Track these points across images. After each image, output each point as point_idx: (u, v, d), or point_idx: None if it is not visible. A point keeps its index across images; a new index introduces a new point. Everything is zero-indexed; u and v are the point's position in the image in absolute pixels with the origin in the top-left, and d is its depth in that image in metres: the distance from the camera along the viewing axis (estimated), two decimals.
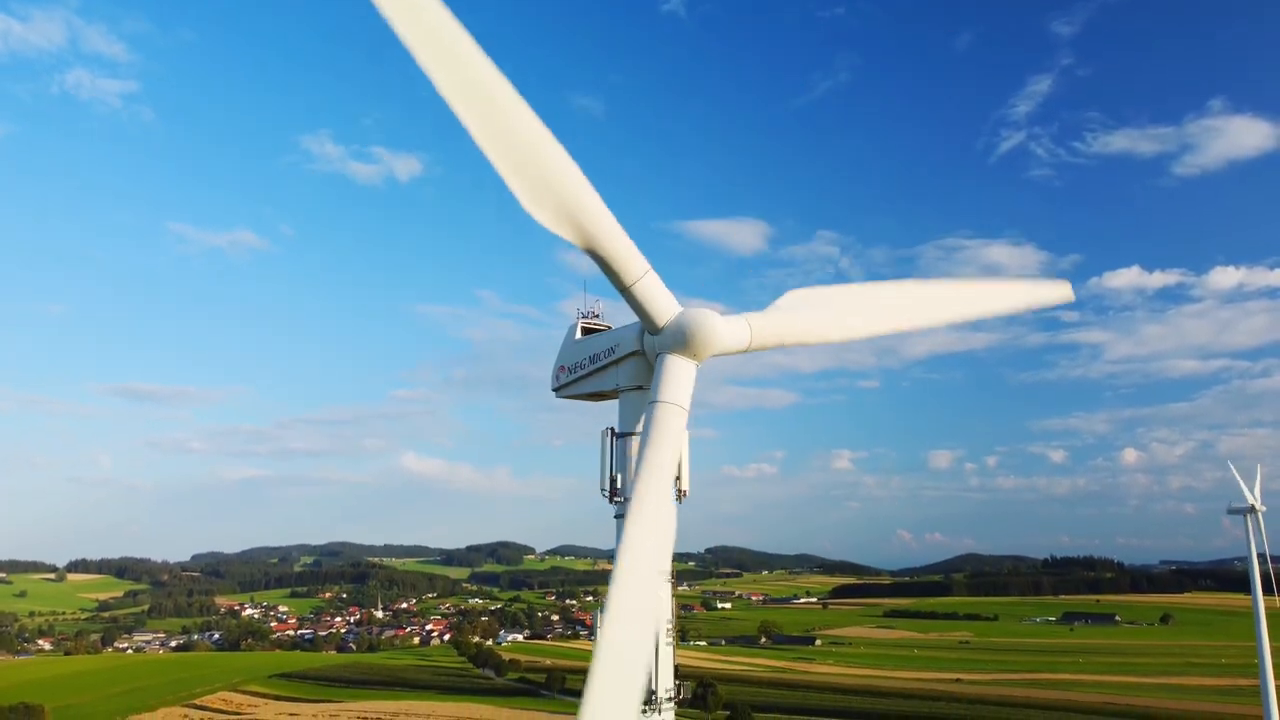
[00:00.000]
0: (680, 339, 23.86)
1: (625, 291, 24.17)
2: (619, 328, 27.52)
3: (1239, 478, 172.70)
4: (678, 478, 25.76)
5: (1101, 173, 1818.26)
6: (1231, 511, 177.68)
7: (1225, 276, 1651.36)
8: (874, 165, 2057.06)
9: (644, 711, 23.35)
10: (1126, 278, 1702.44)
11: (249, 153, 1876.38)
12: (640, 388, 25.26)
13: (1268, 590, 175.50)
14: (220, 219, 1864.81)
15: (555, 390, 28.36)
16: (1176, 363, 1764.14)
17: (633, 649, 20.47)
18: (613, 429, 25.47)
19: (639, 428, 25.02)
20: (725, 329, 24.34)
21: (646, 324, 24.53)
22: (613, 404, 26.31)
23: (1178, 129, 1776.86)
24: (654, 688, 23.51)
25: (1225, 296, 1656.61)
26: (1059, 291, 32.84)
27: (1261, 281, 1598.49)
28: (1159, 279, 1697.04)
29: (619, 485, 25.01)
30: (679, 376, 23.80)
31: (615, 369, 25.81)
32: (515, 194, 22.32)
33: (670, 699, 23.99)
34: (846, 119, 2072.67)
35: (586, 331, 28.79)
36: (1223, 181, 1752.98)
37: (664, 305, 24.35)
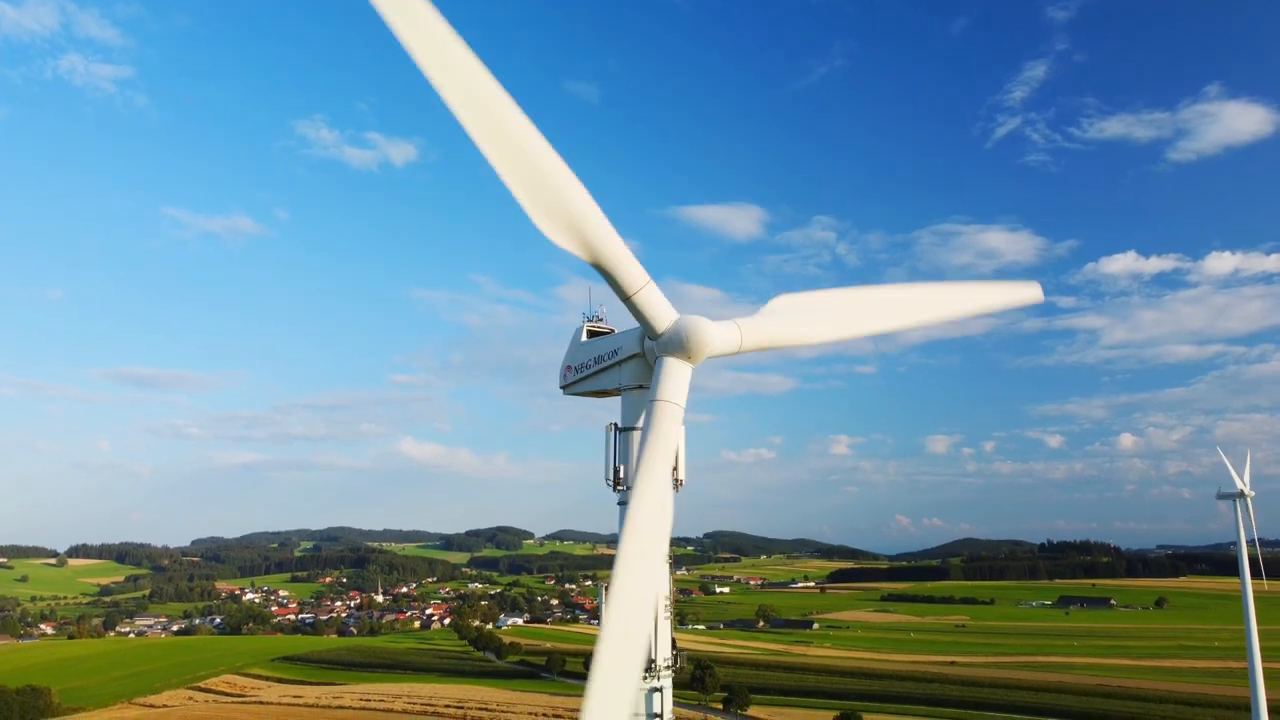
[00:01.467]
0: (677, 344, 26.30)
1: (627, 300, 26.67)
2: (621, 332, 29.90)
3: (1228, 463, 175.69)
4: (675, 467, 28.20)
5: (1097, 158, 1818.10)
6: (1222, 496, 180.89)
7: (1221, 262, 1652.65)
8: (870, 151, 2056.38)
9: (643, 678, 25.96)
10: (1122, 263, 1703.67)
11: (244, 138, 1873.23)
12: (641, 387, 27.70)
13: (1259, 574, 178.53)
14: (216, 204, 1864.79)
15: (563, 388, 30.83)
16: (1173, 348, 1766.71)
17: (634, 630, 22.87)
18: (616, 424, 27.87)
19: (640, 423, 27.47)
20: (718, 334, 26.75)
21: (646, 330, 26.96)
22: (616, 400, 28.71)
23: (1173, 114, 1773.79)
24: (653, 657, 26.09)
25: (1221, 282, 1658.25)
26: (1030, 292, 35.15)
27: (1257, 267, 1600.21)
28: (1155, 264, 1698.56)
29: (622, 475, 27.44)
30: (676, 377, 26.39)
31: (618, 369, 28.19)
32: (529, 213, 24.79)
33: (668, 668, 26.53)
34: (842, 104, 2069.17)
35: (592, 334, 31.19)
36: (1219, 167, 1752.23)
37: (662, 313, 26.70)
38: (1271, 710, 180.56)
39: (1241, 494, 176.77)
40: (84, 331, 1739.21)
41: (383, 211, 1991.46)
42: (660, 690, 26.04)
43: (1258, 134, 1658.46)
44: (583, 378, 29.83)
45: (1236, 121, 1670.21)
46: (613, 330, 31.10)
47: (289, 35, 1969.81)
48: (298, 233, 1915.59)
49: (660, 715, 25.79)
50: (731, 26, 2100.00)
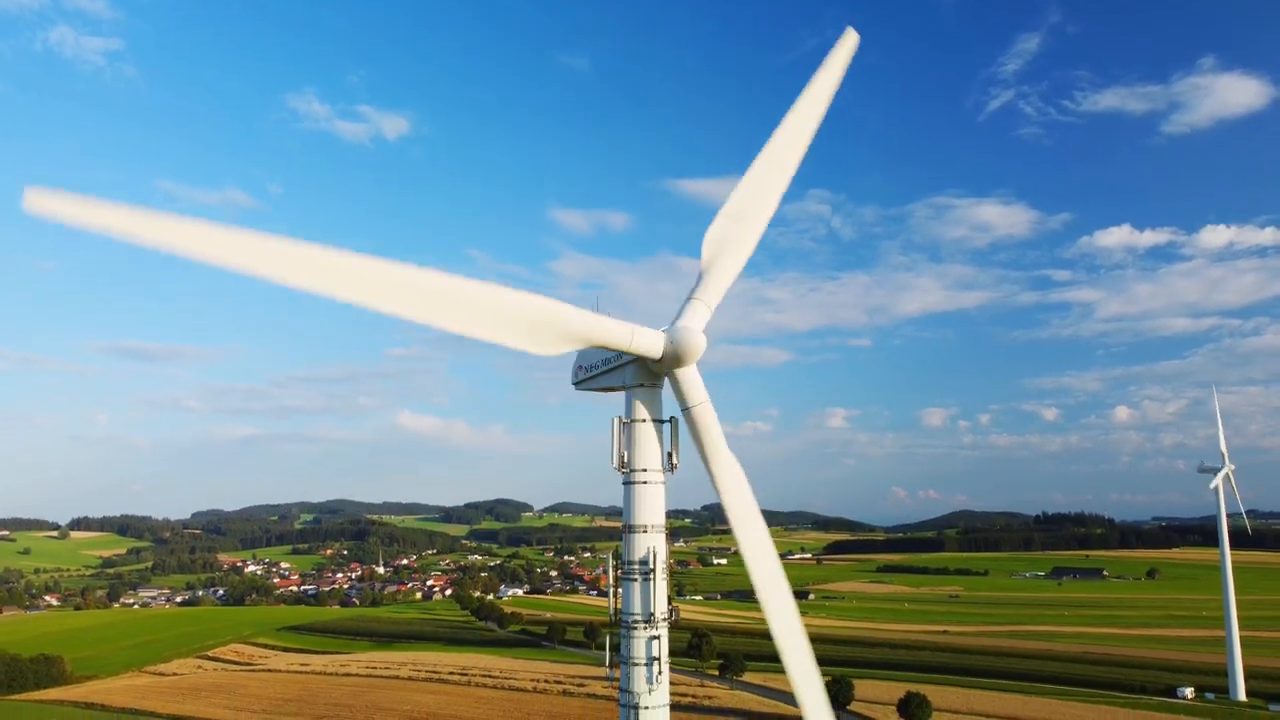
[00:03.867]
0: (677, 360, 31.34)
1: (626, 353, 31.98)
2: None
3: (1221, 434, 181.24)
4: (670, 452, 33.11)
5: (1091, 131, 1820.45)
6: (1203, 470, 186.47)
7: (1215, 235, 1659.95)
8: (864, 123, 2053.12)
9: (643, 628, 31.00)
10: (1117, 236, 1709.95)
11: (235, 111, 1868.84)
12: (642, 385, 32.52)
13: (1245, 545, 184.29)
14: (209, 177, 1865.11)
15: (575, 384, 35.65)
16: (1167, 321, 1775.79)
17: (783, 585, 31.99)
18: (621, 417, 32.73)
19: (640, 416, 32.33)
20: (697, 326, 31.91)
21: (649, 362, 31.89)
22: (619, 396, 33.58)
23: (1166, 87, 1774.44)
24: (653, 611, 31.15)
25: (1216, 255, 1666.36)
26: (847, 40, 38.27)
27: (1252, 240, 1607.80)
28: (1149, 237, 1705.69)
29: (626, 460, 32.33)
30: (692, 382, 32.17)
31: (622, 370, 33.03)
32: (515, 348, 29.29)
33: (664, 620, 31.60)
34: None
35: None
36: (1213, 140, 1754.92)
37: (654, 343, 31.69)
38: (1252, 675, 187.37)
39: (1222, 467, 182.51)
40: (79, 304, 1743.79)
41: (375, 185, 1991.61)
42: (659, 638, 31.17)
43: (1251, 106, 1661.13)
44: (591, 376, 34.72)
45: (1230, 94, 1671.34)
46: None
47: (280, 7, 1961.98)
48: (291, 206, 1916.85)
49: (658, 659, 30.90)
50: None
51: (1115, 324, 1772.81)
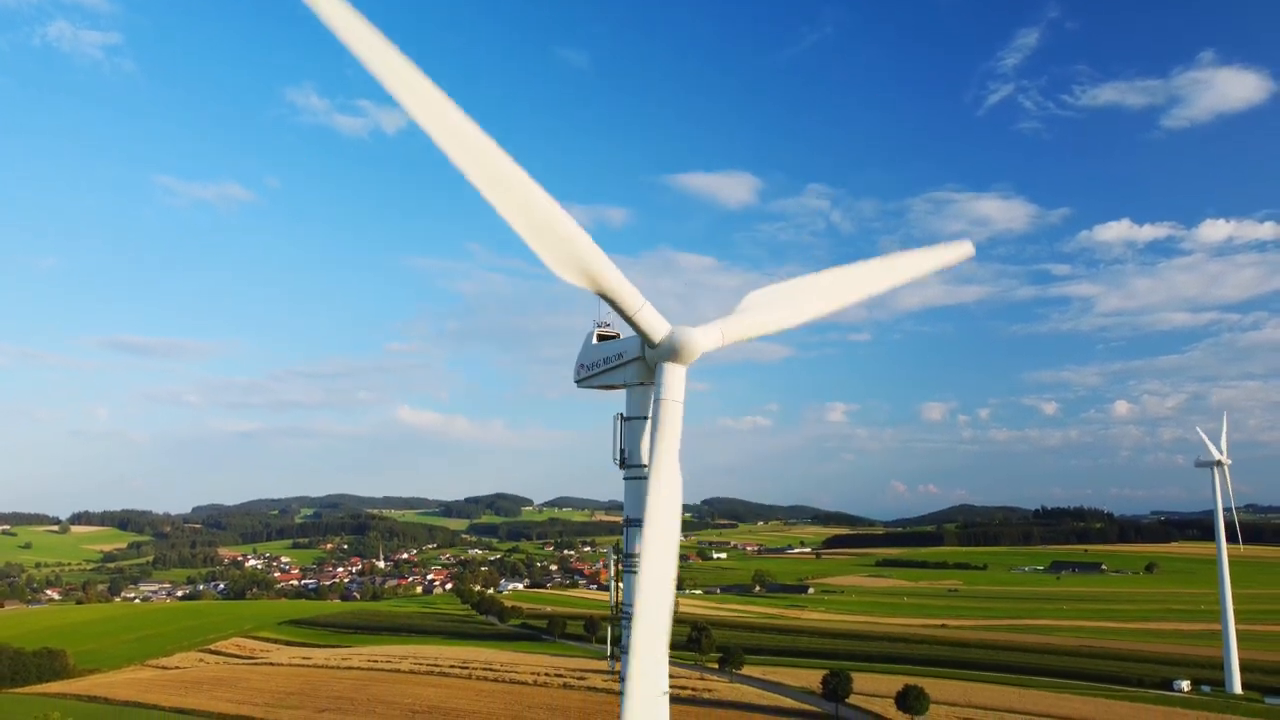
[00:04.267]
0: (672, 352, 31.99)
1: (629, 319, 32.64)
2: (625, 338, 35.50)
3: (1225, 426, 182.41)
4: None
5: (1090, 125, 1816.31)
6: (1200, 464, 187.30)
7: (1215, 230, 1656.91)
8: (863, 118, 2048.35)
9: None
10: (1116, 231, 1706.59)
11: (233, 105, 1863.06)
12: (642, 383, 33.43)
13: (1236, 539, 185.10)
14: (206, 171, 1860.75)
15: (577, 382, 36.63)
16: (1167, 315, 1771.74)
17: (662, 601, 30.00)
18: (622, 414, 33.65)
19: (641, 413, 33.23)
20: (703, 338, 32.67)
21: (645, 341, 32.67)
22: (620, 393, 34.45)
23: (1166, 82, 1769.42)
24: None
25: (1215, 249, 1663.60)
26: (962, 250, 40.82)
27: (1251, 235, 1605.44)
28: (1149, 232, 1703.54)
29: (627, 456, 33.21)
30: (675, 379, 32.48)
31: (623, 369, 34.00)
32: (541, 259, 30.76)
33: None
34: (834, 72, 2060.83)
35: (601, 338, 36.82)
36: (1212, 134, 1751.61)
37: (657, 327, 32.43)
38: (1248, 668, 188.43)
39: (1219, 461, 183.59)
40: (78, 299, 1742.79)
41: (375, 179, 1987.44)
42: None
43: (1251, 101, 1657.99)
44: (593, 374, 35.70)
45: (1230, 88, 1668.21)
46: (618, 335, 36.75)
47: (279, 1, 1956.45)
48: (289, 201, 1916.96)
49: None
50: None
51: (1114, 318, 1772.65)
